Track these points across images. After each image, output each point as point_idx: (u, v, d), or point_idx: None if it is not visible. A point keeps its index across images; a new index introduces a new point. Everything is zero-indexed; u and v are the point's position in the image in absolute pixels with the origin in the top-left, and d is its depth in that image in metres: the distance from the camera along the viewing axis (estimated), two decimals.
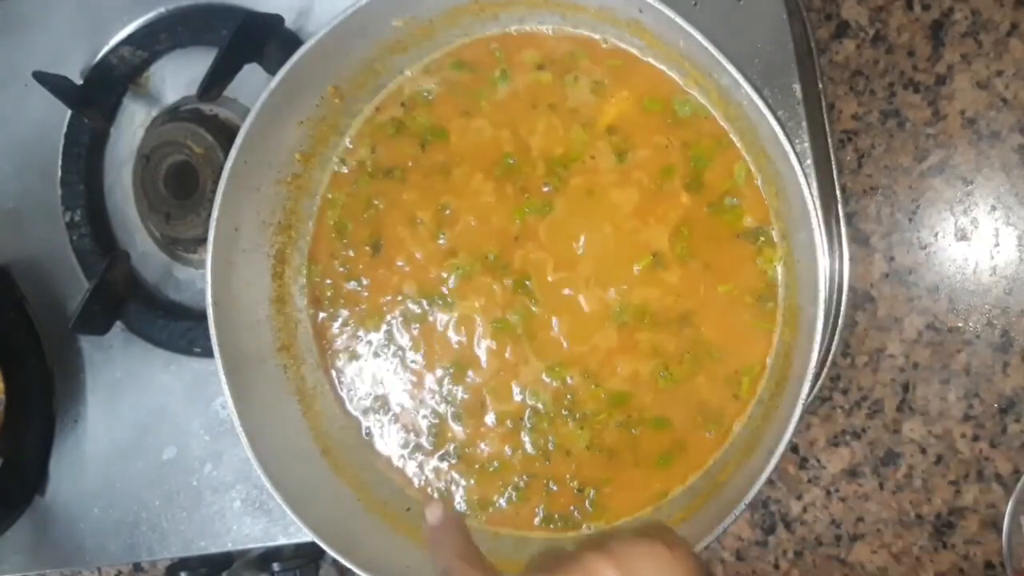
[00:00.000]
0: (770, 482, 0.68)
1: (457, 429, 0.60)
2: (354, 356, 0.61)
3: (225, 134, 0.65)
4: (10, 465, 0.68)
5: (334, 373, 0.62)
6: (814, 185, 0.55)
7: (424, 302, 0.60)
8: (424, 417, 0.60)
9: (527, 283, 0.58)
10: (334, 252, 0.62)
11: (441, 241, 0.60)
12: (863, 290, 0.66)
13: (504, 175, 0.59)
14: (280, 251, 0.61)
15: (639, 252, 0.57)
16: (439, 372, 0.60)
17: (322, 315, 0.62)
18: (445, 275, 0.60)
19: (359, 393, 0.62)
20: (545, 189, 0.58)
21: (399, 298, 0.60)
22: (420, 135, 0.60)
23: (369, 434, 0.61)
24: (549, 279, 0.58)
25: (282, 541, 0.66)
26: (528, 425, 0.58)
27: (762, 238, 0.55)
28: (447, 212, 0.59)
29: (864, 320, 0.66)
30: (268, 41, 0.65)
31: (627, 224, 0.57)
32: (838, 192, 0.62)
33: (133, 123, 0.70)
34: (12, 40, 0.72)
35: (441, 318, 0.60)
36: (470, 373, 0.59)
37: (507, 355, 0.59)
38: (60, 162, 0.70)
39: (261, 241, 0.60)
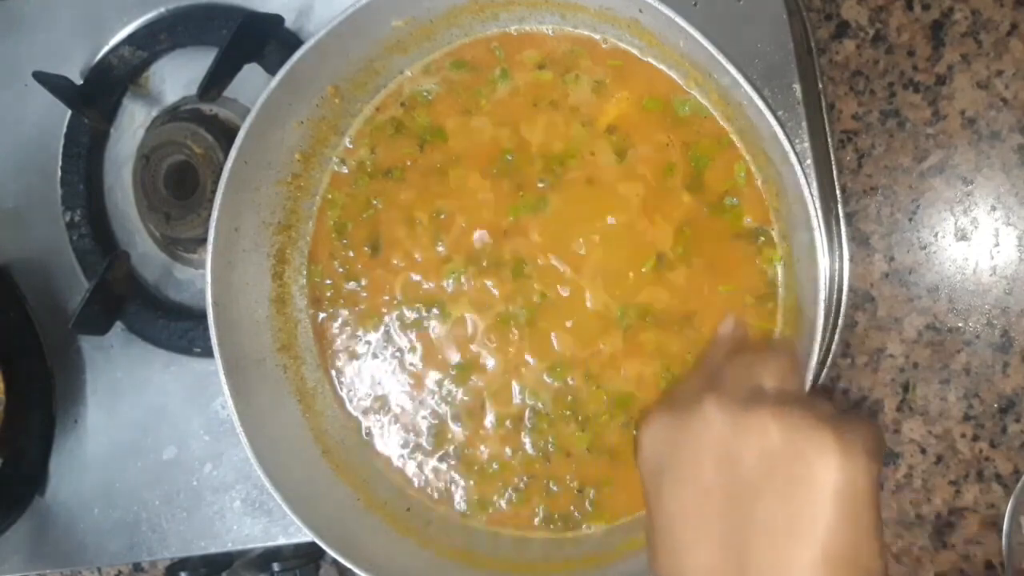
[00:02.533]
0: None
1: (457, 430, 0.60)
2: (354, 356, 0.61)
3: (225, 134, 0.65)
4: (10, 465, 0.68)
5: (334, 373, 0.62)
6: (814, 185, 0.55)
7: (422, 303, 0.60)
8: (424, 418, 0.60)
9: (524, 268, 0.58)
10: (334, 252, 0.62)
11: (440, 248, 0.59)
12: (863, 290, 0.66)
13: (501, 172, 0.59)
14: (280, 251, 0.61)
15: (644, 252, 0.56)
16: (438, 373, 0.60)
17: (322, 315, 0.62)
18: (443, 276, 0.59)
19: (359, 393, 0.61)
20: (540, 185, 0.58)
21: (397, 299, 0.60)
22: (419, 135, 0.60)
23: (369, 434, 0.61)
24: (540, 262, 0.58)
25: (282, 541, 0.66)
26: (528, 426, 0.58)
27: (762, 238, 0.55)
28: (442, 217, 0.59)
29: (864, 320, 0.66)
30: (268, 41, 0.65)
31: (629, 223, 0.57)
32: (838, 192, 0.62)
33: (133, 123, 0.70)
34: (12, 40, 0.72)
35: (441, 318, 0.60)
36: (469, 374, 0.59)
37: (507, 355, 0.59)
38: (60, 162, 0.70)
39: (261, 241, 0.59)
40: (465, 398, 0.59)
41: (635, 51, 0.57)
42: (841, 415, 0.42)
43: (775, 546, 0.38)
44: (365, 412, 0.61)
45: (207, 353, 0.66)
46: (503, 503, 0.59)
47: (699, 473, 0.40)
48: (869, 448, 0.40)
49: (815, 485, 0.38)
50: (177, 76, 0.69)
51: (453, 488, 0.60)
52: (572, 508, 0.58)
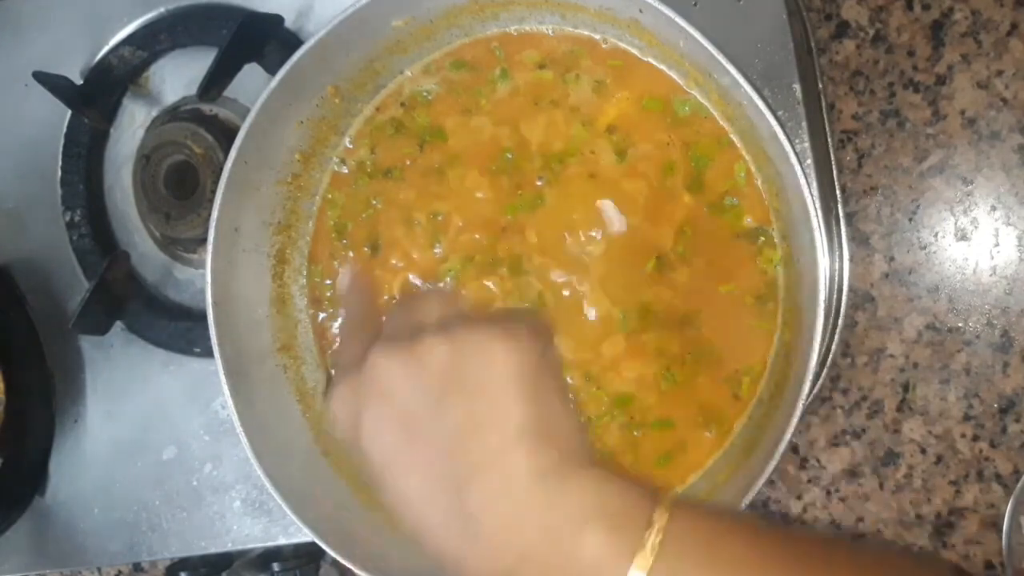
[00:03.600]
0: (770, 482, 0.68)
1: None
2: None
3: (225, 134, 0.65)
4: (10, 465, 0.68)
5: (334, 373, 0.62)
6: (814, 185, 0.55)
7: None
8: None
9: (523, 266, 0.58)
10: (334, 252, 0.62)
11: (437, 249, 0.59)
12: (863, 290, 0.66)
13: (500, 170, 0.59)
14: (280, 251, 0.61)
15: (644, 251, 0.56)
16: None
17: (322, 315, 0.62)
18: (441, 276, 0.59)
19: None
20: (538, 183, 0.58)
21: (396, 299, 0.60)
22: (419, 135, 0.60)
23: None
24: (538, 261, 0.58)
25: (282, 541, 0.66)
26: None
27: (762, 238, 0.55)
28: (439, 218, 0.59)
29: (864, 320, 0.66)
30: (268, 41, 0.65)
31: (629, 222, 0.57)
32: (838, 192, 0.62)
33: (133, 123, 0.70)
34: (12, 40, 0.72)
35: None
36: None
37: None
38: (60, 162, 0.70)
39: (261, 241, 0.59)
40: None
41: (635, 51, 0.57)
42: (504, 313, 0.42)
43: (473, 446, 0.38)
44: None
45: (207, 353, 0.66)
46: None
47: (389, 422, 0.40)
48: (533, 329, 0.41)
49: (487, 377, 0.38)
50: (177, 76, 0.69)
51: None
52: None
